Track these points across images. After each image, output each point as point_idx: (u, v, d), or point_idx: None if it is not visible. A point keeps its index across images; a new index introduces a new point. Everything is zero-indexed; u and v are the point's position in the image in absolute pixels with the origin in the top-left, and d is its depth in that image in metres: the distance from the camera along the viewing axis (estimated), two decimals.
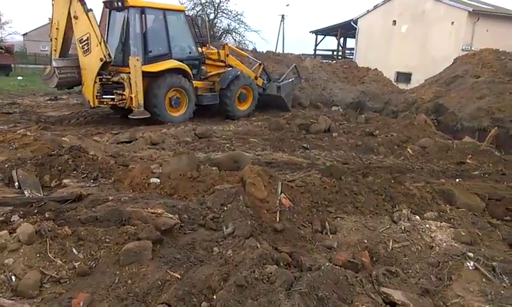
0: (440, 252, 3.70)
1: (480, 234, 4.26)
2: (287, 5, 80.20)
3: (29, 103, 13.58)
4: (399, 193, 5.03)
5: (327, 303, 2.72)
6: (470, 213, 4.88)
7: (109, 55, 9.93)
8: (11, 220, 3.59)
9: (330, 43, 38.32)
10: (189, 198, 4.65)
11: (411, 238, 4.02)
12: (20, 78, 23.88)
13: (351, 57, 30.86)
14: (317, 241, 4.09)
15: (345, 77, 19.16)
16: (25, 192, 4.59)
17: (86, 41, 9.86)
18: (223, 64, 12.63)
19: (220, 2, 34.18)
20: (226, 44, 13.85)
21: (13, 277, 2.86)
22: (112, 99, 10.25)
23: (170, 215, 3.78)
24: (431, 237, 4.02)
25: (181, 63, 11.04)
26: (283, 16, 43.68)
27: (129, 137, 8.79)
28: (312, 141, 9.76)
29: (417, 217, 4.50)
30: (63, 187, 4.94)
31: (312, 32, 36.01)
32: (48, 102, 14.25)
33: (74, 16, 9.79)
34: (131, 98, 10.03)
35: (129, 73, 9.99)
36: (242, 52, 15.30)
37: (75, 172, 5.37)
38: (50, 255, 3.08)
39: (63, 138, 7.35)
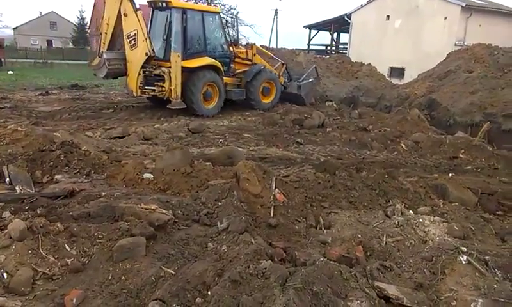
0: (433, 247, 3.71)
1: (473, 228, 4.29)
2: (280, 0, 79.97)
3: (20, 98, 13.40)
4: (393, 188, 5.04)
5: (321, 298, 2.72)
6: (463, 207, 4.91)
7: (153, 50, 10.87)
8: (2, 216, 3.55)
9: (324, 37, 38.34)
10: (183, 194, 4.63)
11: (405, 233, 4.03)
12: (10, 72, 23.59)
13: (344, 52, 30.89)
14: (312, 236, 4.09)
15: (338, 72, 19.15)
16: (17, 188, 4.54)
17: (134, 37, 10.81)
18: (250, 62, 13.42)
19: None
20: (254, 44, 14.66)
21: (5, 274, 2.82)
22: (153, 90, 11.14)
23: (164, 211, 3.75)
24: (425, 232, 4.03)
25: (214, 60, 11.85)
26: (276, 10, 43.70)
27: (122, 132, 8.72)
28: (306, 136, 9.76)
29: (411, 211, 4.52)
30: (55, 183, 4.89)
31: (306, 26, 35.98)
32: (40, 96, 14.07)
33: (124, 14, 10.70)
34: (170, 90, 10.95)
35: (170, 67, 10.91)
36: (268, 52, 16.15)
37: (67, 167, 5.31)
38: (42, 252, 3.04)
39: (54, 133, 7.24)
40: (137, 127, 9.23)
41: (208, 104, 11.83)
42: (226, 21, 13.16)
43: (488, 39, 17.38)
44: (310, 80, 15.11)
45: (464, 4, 22.26)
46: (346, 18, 29.28)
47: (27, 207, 3.90)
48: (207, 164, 5.56)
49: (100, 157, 5.83)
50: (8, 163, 5.04)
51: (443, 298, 3.08)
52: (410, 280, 3.29)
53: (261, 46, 21.07)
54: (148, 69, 11.05)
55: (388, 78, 21.28)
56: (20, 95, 14.01)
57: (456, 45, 21.22)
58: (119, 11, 10.72)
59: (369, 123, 11.04)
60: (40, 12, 66.82)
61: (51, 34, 63.47)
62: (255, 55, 13.69)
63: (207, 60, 11.65)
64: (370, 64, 20.05)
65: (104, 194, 4.39)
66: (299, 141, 9.14)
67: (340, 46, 36.49)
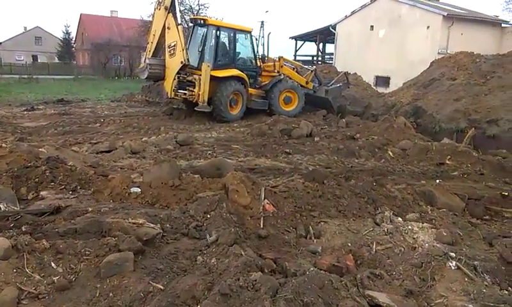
0: (422, 253, 3.73)
1: (461, 234, 4.33)
2: (266, 11, 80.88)
3: (5, 114, 13.23)
4: (381, 195, 5.08)
5: None
6: (451, 213, 4.96)
7: (187, 59, 12.60)
8: None
9: (310, 48, 38.61)
10: (171, 207, 4.58)
11: (394, 240, 4.04)
12: None
13: (330, 62, 31.16)
14: (302, 246, 4.08)
15: None
16: (1, 206, 4.43)
17: (173, 47, 12.60)
18: (277, 74, 14.68)
19: (199, 9, 34.13)
20: (282, 57, 15.59)
21: None
22: (185, 93, 12.86)
23: (152, 225, 3.71)
24: (414, 238, 4.05)
25: (241, 72, 13.38)
26: (262, 22, 43.83)
27: (109, 146, 8.64)
28: (294, 145, 9.80)
29: (399, 218, 4.54)
30: (41, 200, 4.80)
31: (292, 38, 36.28)
32: (25, 112, 13.92)
33: (168, 27, 12.64)
34: (199, 94, 12.54)
35: (200, 75, 12.47)
36: (296, 63, 17.63)
37: (52, 183, 5.22)
38: (27, 270, 2.97)
39: (40, 149, 7.14)
40: (124, 141, 9.16)
41: (233, 111, 13.27)
42: (257, 38, 14.59)
43: (470, 47, 17.73)
44: (339, 85, 16.15)
45: (445, 14, 22.70)
46: (331, 29, 29.61)
47: (11, 225, 3.82)
48: (196, 176, 5.52)
49: (86, 172, 5.74)
50: None
51: (434, 304, 3.09)
52: (400, 287, 3.29)
53: None
54: (182, 75, 12.77)
55: (374, 87, 21.53)
56: (4, 111, 13.84)
57: (439, 53, 21.57)
58: (164, 25, 12.56)
59: (357, 132, 11.14)
60: (25, 27, 66.31)
61: (36, 49, 62.92)
62: (282, 67, 14.89)
63: (234, 71, 13.15)
64: (356, 73, 20.27)
65: (90, 209, 4.32)
66: (287, 150, 9.17)
67: (326, 56, 36.83)
